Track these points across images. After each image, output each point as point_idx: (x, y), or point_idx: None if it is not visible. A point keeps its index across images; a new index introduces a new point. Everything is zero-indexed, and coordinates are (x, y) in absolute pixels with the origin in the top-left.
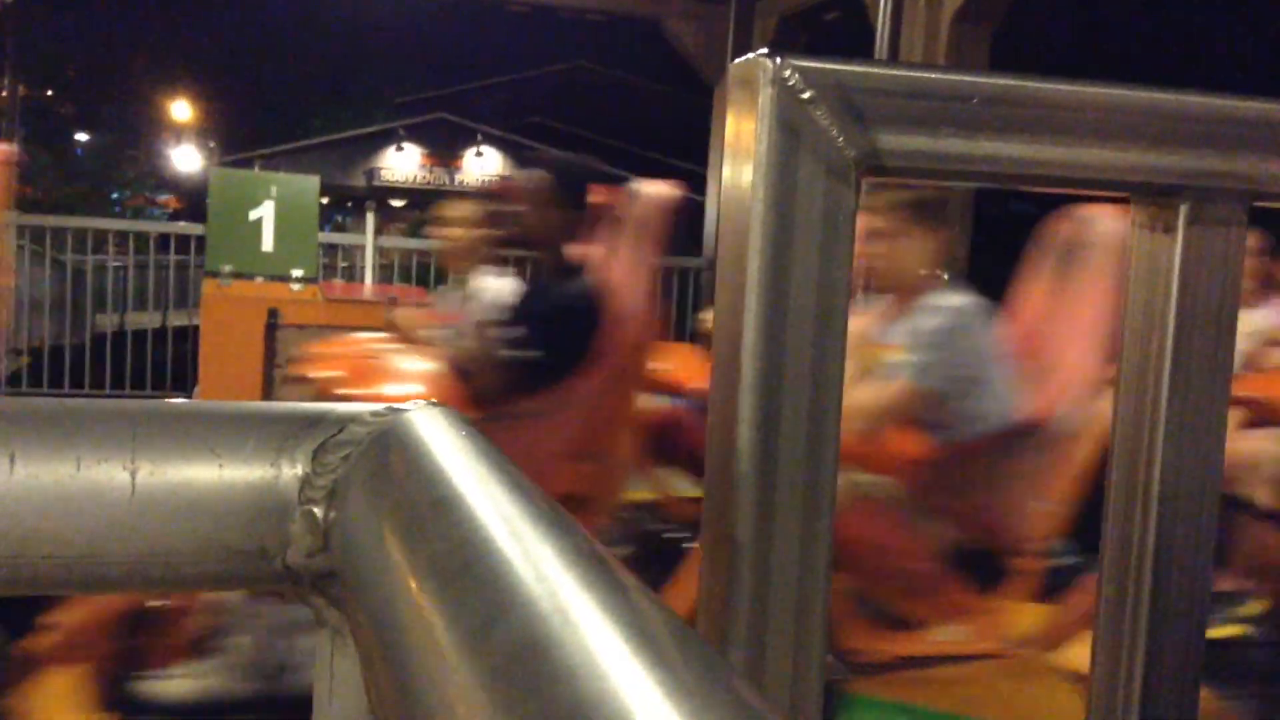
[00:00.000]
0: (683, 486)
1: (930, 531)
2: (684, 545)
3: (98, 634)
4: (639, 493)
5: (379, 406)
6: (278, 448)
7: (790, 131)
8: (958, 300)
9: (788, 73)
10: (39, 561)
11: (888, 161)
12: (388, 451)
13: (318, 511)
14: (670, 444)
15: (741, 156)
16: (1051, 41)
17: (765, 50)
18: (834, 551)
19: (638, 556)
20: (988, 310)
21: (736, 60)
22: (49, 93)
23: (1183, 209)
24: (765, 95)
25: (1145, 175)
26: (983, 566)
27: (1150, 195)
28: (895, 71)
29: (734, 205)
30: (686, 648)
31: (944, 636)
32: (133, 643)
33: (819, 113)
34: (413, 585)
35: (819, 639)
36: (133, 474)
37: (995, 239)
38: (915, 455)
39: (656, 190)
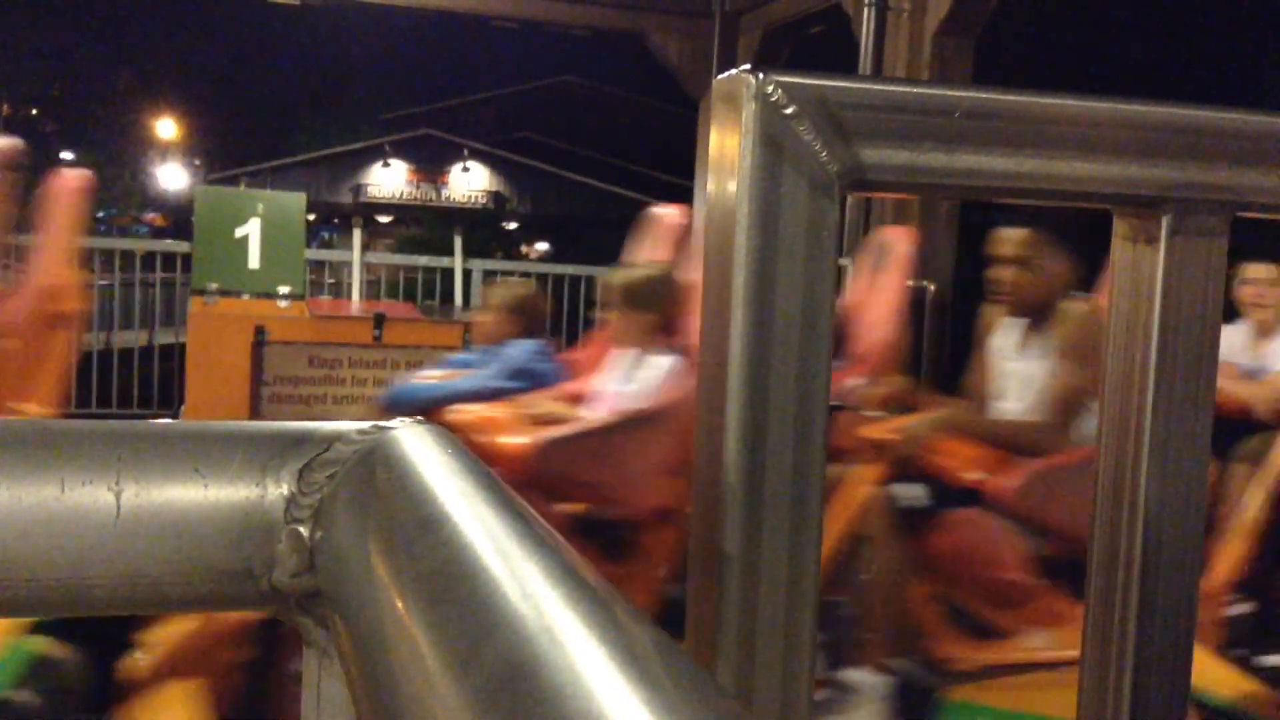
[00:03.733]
0: None
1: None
2: None
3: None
4: None
5: (364, 425)
6: (263, 467)
7: (773, 146)
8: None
9: (770, 88)
10: (23, 584)
11: (870, 175)
12: (373, 470)
13: (303, 531)
14: None
15: (725, 171)
16: (1035, 53)
17: (748, 66)
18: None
19: None
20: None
21: (720, 76)
22: (34, 111)
23: (1165, 220)
24: (748, 111)
25: (1127, 187)
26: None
27: (1132, 207)
28: (877, 86)
29: (718, 220)
30: (673, 666)
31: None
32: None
33: (802, 128)
34: (399, 605)
35: (808, 653)
36: (118, 495)
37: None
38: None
39: None
